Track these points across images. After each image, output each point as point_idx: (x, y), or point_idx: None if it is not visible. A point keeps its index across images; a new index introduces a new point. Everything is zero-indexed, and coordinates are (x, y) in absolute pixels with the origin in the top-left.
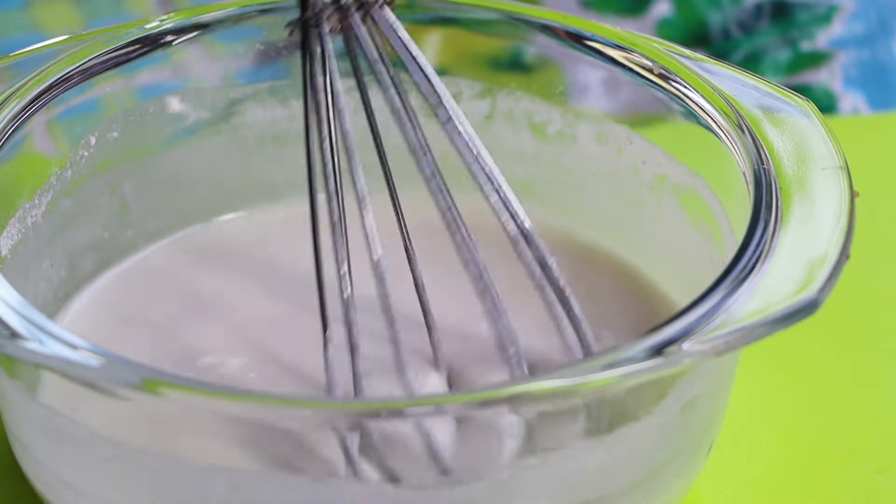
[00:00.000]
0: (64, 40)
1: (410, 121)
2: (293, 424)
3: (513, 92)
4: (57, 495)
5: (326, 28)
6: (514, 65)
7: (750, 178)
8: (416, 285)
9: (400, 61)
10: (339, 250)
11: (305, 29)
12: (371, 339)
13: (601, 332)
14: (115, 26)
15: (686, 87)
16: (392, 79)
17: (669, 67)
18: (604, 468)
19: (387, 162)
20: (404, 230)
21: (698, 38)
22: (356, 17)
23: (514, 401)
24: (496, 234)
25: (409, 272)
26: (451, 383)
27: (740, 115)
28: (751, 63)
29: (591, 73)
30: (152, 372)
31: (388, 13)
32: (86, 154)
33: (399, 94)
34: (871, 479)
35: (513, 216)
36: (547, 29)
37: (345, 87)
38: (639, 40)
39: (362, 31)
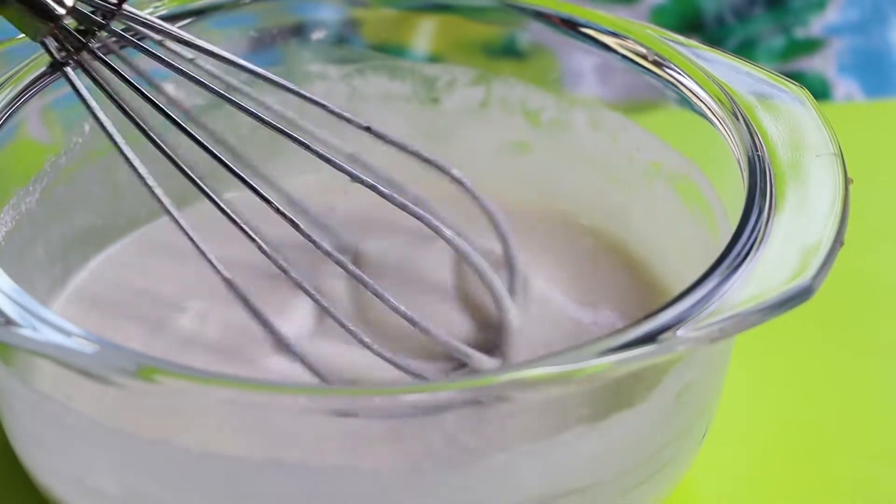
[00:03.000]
0: None
1: None
2: (289, 411)
3: (507, 79)
4: (53, 483)
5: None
6: (509, 52)
7: (744, 165)
8: None
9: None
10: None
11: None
12: None
13: (596, 318)
14: None
15: (680, 74)
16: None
17: (663, 54)
18: (598, 455)
19: None
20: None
21: (692, 24)
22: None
23: (508, 388)
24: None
25: None
26: None
27: (734, 102)
28: (745, 50)
29: (585, 60)
30: (147, 359)
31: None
32: (80, 141)
33: None
34: (866, 465)
35: None
36: (541, 16)
37: (340, 75)
38: (633, 27)
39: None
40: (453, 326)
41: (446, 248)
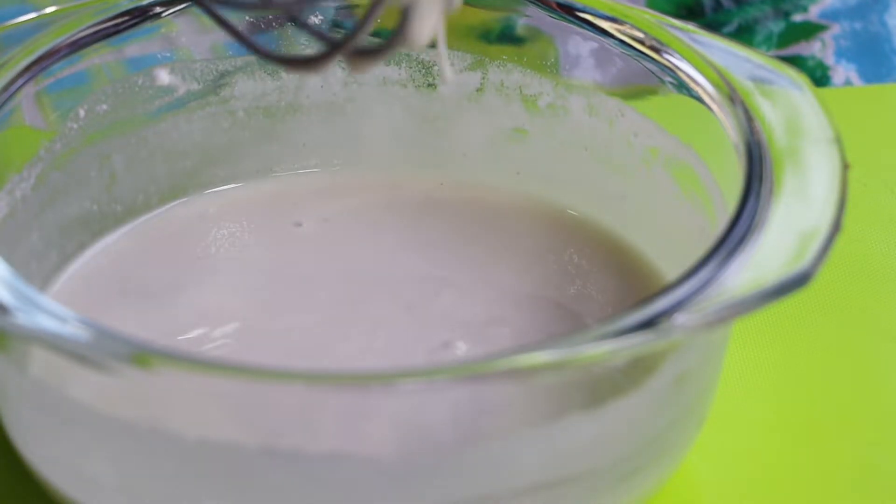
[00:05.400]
0: (53, 12)
1: None
2: (286, 398)
3: (504, 64)
4: (48, 471)
5: None
6: (506, 36)
7: (742, 150)
8: None
9: None
10: None
11: None
12: None
13: (592, 305)
14: None
15: (678, 59)
16: None
17: (661, 39)
18: (596, 441)
19: None
20: None
21: (690, 9)
22: None
23: (505, 374)
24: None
25: None
26: None
27: (732, 87)
28: (743, 35)
29: (582, 45)
30: (143, 345)
31: None
32: (75, 126)
33: None
34: (865, 451)
35: None
36: (538, 0)
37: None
38: (630, 12)
39: None
40: None
41: None
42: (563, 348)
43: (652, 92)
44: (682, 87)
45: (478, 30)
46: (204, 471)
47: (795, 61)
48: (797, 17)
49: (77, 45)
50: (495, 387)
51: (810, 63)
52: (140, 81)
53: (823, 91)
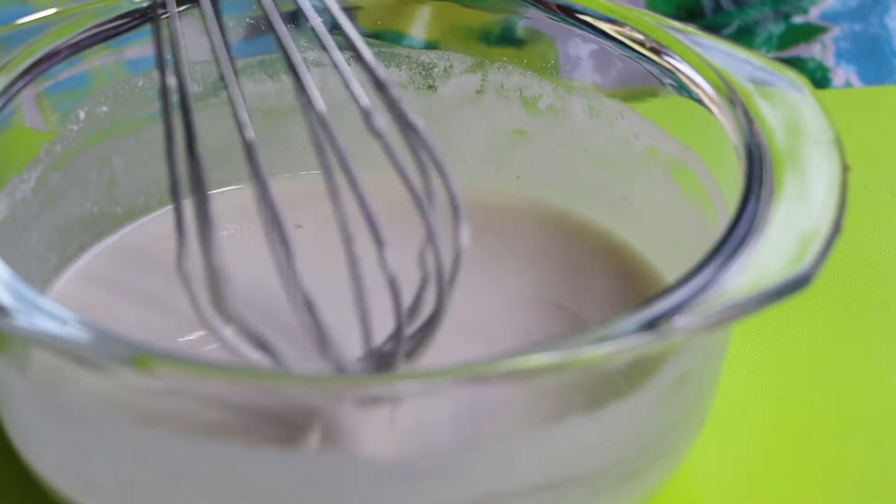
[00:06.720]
0: (53, 14)
1: None
2: (284, 400)
3: (504, 66)
4: (48, 471)
5: None
6: (506, 38)
7: (742, 152)
8: None
9: None
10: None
11: None
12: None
13: (593, 306)
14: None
15: (678, 61)
16: None
17: (661, 41)
18: (596, 442)
19: None
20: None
21: (690, 11)
22: None
23: (505, 375)
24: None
25: None
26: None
27: (732, 89)
28: (743, 36)
29: (582, 47)
30: (142, 347)
31: None
32: (75, 128)
33: None
34: (866, 452)
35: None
36: (538, 2)
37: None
38: (630, 14)
39: None
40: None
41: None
42: (563, 350)
43: (652, 94)
44: (682, 88)
45: (478, 32)
46: (203, 471)
47: (795, 63)
48: (797, 19)
49: (77, 47)
50: (496, 388)
51: (810, 65)
52: (140, 83)
53: (823, 93)
